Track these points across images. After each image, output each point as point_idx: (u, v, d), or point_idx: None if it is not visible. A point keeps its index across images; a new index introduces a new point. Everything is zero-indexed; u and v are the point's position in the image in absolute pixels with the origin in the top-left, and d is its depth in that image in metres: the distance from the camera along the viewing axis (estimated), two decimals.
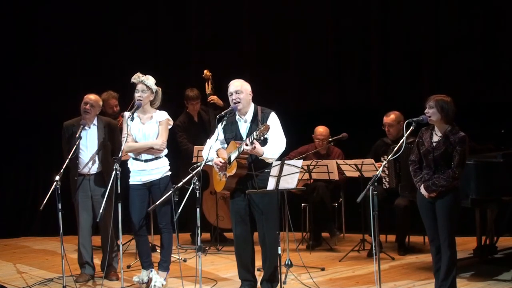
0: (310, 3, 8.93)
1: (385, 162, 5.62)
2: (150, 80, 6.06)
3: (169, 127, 6.22)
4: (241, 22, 9.15)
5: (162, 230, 6.14)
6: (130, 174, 6.12)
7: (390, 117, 7.40)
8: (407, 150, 5.64)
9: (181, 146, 7.84)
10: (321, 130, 7.87)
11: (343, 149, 7.90)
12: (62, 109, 8.03)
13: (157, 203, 5.66)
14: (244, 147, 5.41)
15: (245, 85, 5.74)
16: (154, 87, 6.08)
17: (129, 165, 6.15)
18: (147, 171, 6.06)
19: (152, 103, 6.13)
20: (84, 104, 6.38)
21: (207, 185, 7.85)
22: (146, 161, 6.06)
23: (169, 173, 6.16)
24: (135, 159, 6.10)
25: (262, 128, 5.31)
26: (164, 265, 6.17)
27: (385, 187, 7.32)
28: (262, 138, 5.36)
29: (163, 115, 6.14)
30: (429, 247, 5.63)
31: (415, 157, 5.52)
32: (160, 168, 6.09)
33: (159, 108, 6.20)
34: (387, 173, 7.26)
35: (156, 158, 6.08)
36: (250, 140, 5.38)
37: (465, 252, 7.04)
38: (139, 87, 6.04)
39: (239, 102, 5.66)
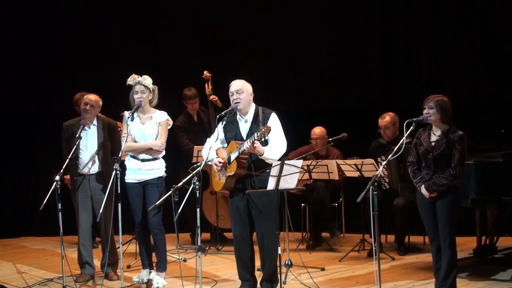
0: (310, 3, 8.94)
1: (385, 162, 5.61)
2: (147, 80, 6.06)
3: (169, 127, 6.22)
4: (241, 22, 9.16)
5: (154, 232, 6.12)
6: (126, 172, 6.12)
7: (386, 119, 7.39)
8: (408, 150, 5.64)
9: (182, 146, 7.85)
10: (316, 130, 7.89)
11: (343, 149, 7.90)
12: (62, 109, 8.03)
13: (157, 203, 5.66)
14: (245, 145, 5.41)
15: (246, 85, 5.74)
16: (152, 86, 6.09)
17: (126, 163, 6.16)
18: (142, 170, 6.07)
19: (150, 102, 6.13)
20: (84, 105, 6.38)
21: (207, 185, 7.85)
22: (143, 160, 6.07)
23: (164, 174, 6.16)
24: (133, 157, 6.11)
25: (263, 129, 5.30)
26: (161, 266, 6.17)
27: (384, 188, 7.31)
28: (263, 139, 5.36)
29: (163, 116, 6.14)
30: (429, 247, 5.63)
31: (413, 158, 5.52)
32: (155, 170, 6.09)
33: (158, 107, 6.20)
34: (386, 174, 7.25)
35: (154, 159, 6.09)
36: (251, 141, 5.39)
37: (465, 252, 7.04)
38: (138, 88, 6.04)
39: (239, 102, 5.66)
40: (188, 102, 8.00)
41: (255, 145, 5.38)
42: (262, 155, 5.51)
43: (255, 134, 5.35)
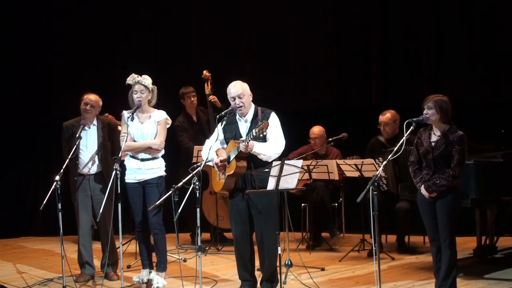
0: (310, 3, 8.94)
1: (384, 162, 5.60)
2: (147, 80, 6.05)
3: (168, 126, 6.22)
4: (241, 22, 9.16)
5: (154, 232, 6.12)
6: (126, 172, 6.12)
7: (386, 116, 7.38)
8: (405, 152, 5.63)
9: (182, 145, 7.85)
10: (315, 130, 7.89)
11: (343, 149, 7.89)
12: (62, 109, 8.03)
13: (157, 203, 5.66)
14: (241, 146, 5.42)
15: (244, 86, 5.73)
16: (151, 86, 6.09)
17: (125, 163, 6.15)
18: (142, 170, 6.06)
19: (149, 102, 6.13)
20: (84, 105, 6.38)
21: (207, 185, 7.86)
22: (142, 160, 6.07)
23: (164, 174, 6.16)
24: (133, 157, 6.11)
25: (261, 125, 5.31)
26: (161, 266, 6.17)
27: (382, 190, 7.27)
28: (261, 135, 5.35)
29: (162, 115, 6.14)
30: (429, 247, 5.63)
31: (414, 158, 5.52)
32: (155, 169, 6.09)
33: (158, 107, 6.20)
34: (385, 175, 7.22)
35: (153, 158, 6.08)
36: (250, 138, 5.38)
37: (465, 252, 7.04)
38: (137, 88, 6.03)
39: (242, 106, 5.65)
40: (186, 97, 7.98)
41: (247, 143, 5.39)
42: (253, 150, 5.48)
43: (254, 130, 5.36)
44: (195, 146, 7.52)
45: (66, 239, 6.30)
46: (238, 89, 5.68)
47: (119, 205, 5.74)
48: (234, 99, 5.66)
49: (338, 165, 7.33)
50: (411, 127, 5.25)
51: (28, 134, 9.23)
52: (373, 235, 5.34)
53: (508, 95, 8.13)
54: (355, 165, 7.11)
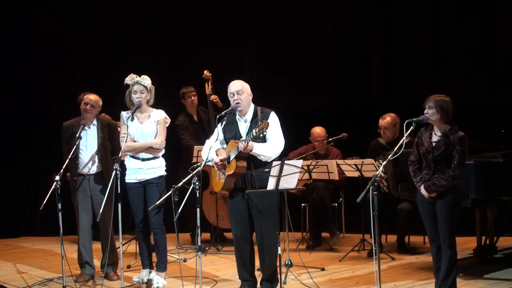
0: (310, 3, 8.94)
1: (384, 162, 5.60)
2: (147, 80, 6.05)
3: (167, 125, 6.22)
4: (241, 22, 9.16)
5: (155, 231, 6.12)
6: (126, 172, 6.11)
7: (386, 120, 7.37)
8: (405, 154, 5.62)
9: (184, 143, 7.85)
10: (318, 131, 7.87)
11: (343, 149, 7.90)
12: (62, 109, 8.03)
13: (157, 203, 5.66)
14: (240, 146, 5.41)
15: (245, 85, 5.75)
16: (150, 86, 6.09)
17: (126, 163, 6.15)
18: (143, 170, 6.06)
19: (147, 102, 6.12)
20: (84, 105, 6.38)
21: (207, 185, 7.86)
22: (143, 160, 6.06)
23: (165, 173, 6.16)
24: (133, 157, 6.11)
25: (261, 124, 5.31)
26: (161, 266, 6.17)
27: (383, 191, 7.25)
28: (261, 135, 5.36)
29: (161, 114, 6.14)
30: (429, 247, 5.63)
31: (414, 157, 5.51)
32: (156, 168, 6.09)
33: (158, 107, 6.20)
34: (385, 177, 7.21)
35: (154, 158, 6.08)
36: (250, 138, 5.39)
37: (465, 252, 7.04)
38: (137, 88, 6.03)
39: (240, 103, 5.65)
40: (187, 96, 7.98)
41: (247, 144, 5.39)
42: (252, 151, 5.49)
43: (254, 130, 5.36)
44: (195, 146, 7.52)
45: (66, 239, 6.30)
46: (237, 86, 5.69)
47: (119, 205, 5.74)
48: (233, 95, 5.67)
49: (338, 165, 7.34)
50: (411, 127, 5.25)
51: (28, 134, 9.23)
52: (373, 235, 5.34)
53: (508, 95, 8.12)
54: (355, 165, 7.11)
